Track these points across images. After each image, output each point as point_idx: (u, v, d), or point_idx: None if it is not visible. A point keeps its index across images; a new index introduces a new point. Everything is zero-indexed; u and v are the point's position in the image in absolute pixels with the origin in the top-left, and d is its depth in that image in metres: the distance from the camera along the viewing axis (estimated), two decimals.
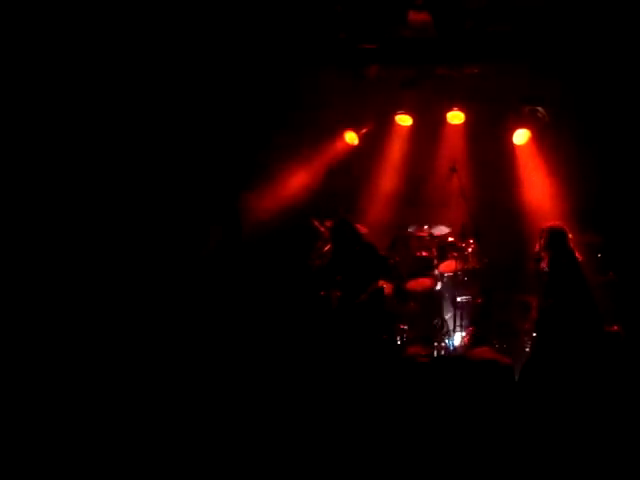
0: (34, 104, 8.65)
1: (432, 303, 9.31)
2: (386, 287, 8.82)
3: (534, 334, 7.98)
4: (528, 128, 10.12)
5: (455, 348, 8.95)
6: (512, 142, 10.28)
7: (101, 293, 8.63)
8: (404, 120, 10.64)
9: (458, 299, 9.32)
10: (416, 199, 10.64)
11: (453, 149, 10.48)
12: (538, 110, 9.91)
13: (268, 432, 6.15)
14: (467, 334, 8.99)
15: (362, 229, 9.54)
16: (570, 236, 7.80)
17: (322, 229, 9.91)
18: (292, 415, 6.44)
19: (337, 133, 10.84)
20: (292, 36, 8.91)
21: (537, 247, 8.09)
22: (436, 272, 9.50)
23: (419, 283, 9.36)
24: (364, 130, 10.85)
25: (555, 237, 7.74)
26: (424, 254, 9.65)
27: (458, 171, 9.56)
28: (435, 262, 9.55)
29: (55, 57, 8.58)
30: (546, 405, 6.56)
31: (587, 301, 7.43)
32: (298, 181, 10.74)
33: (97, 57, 8.72)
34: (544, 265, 7.78)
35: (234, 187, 10.35)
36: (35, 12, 8.18)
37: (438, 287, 9.46)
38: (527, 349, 8.54)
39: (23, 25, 8.24)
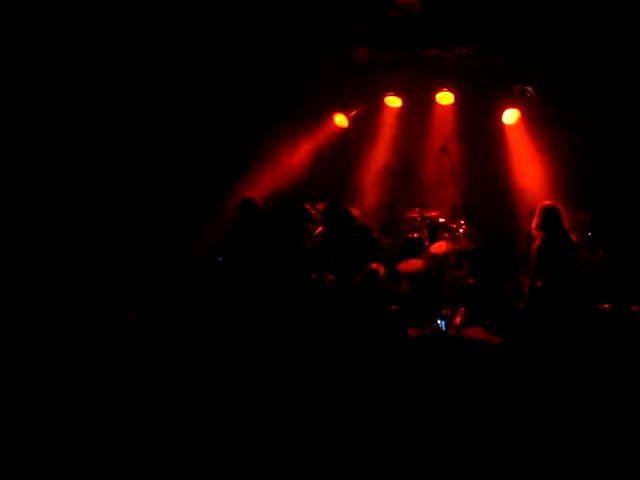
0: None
1: (424, 284, 9.31)
2: (379, 269, 8.85)
3: (526, 313, 7.99)
4: (517, 108, 10.10)
5: (447, 328, 8.97)
6: (502, 122, 10.26)
7: (93, 288, 8.69)
8: (394, 101, 10.62)
9: (449, 280, 9.32)
10: (407, 180, 10.63)
11: (443, 130, 10.47)
12: (527, 90, 9.90)
13: (264, 412, 6.17)
14: (459, 314, 9.01)
15: (354, 212, 9.56)
16: (565, 215, 7.83)
17: (313, 212, 9.93)
18: (289, 396, 6.46)
19: (326, 116, 10.81)
20: (280, 20, 8.87)
21: (530, 226, 8.11)
22: (427, 253, 9.49)
23: (410, 264, 9.36)
24: (353, 112, 10.83)
25: (549, 216, 7.76)
26: (415, 235, 9.66)
27: (449, 151, 9.55)
28: (426, 243, 9.56)
29: (52, 55, 8.60)
30: (538, 384, 6.59)
31: (580, 280, 7.46)
32: (289, 165, 10.72)
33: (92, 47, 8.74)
34: (536, 244, 7.80)
35: (224, 176, 10.37)
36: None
37: (429, 268, 9.44)
38: (519, 328, 8.55)
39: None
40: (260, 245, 9.32)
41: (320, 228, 9.71)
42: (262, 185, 10.47)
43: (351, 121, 10.82)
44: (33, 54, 8.56)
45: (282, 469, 5.34)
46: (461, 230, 9.48)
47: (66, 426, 5.87)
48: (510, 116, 10.19)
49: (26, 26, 8.27)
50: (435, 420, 6.07)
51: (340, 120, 10.79)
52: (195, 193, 10.28)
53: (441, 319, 9.06)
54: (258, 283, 9.05)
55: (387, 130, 10.85)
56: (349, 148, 11.01)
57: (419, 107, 10.66)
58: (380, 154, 10.84)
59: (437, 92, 10.31)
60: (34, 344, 7.35)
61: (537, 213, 7.92)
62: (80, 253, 9.11)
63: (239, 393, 6.54)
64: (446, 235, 9.48)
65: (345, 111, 10.77)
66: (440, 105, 10.48)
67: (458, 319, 8.96)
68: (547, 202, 8.01)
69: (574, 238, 7.77)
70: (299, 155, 10.75)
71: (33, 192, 8.90)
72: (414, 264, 9.38)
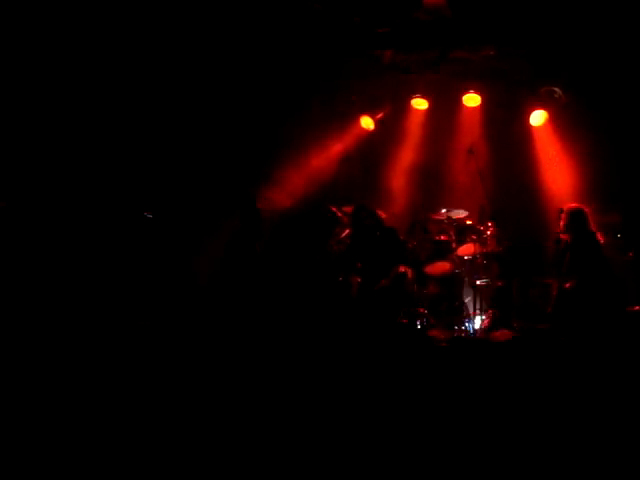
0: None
1: (451, 287, 9.27)
2: (407, 271, 8.82)
3: (555, 316, 7.94)
4: (545, 109, 10.05)
5: (475, 331, 8.93)
6: (529, 123, 10.21)
7: (117, 289, 8.73)
8: (420, 104, 10.61)
9: (477, 282, 9.28)
10: (434, 183, 10.60)
11: (470, 132, 10.44)
12: (555, 91, 9.83)
13: (287, 414, 6.18)
14: (487, 317, 8.97)
15: (382, 214, 9.54)
16: (591, 217, 7.77)
17: (340, 215, 9.92)
18: (313, 399, 6.46)
19: (353, 118, 10.80)
20: (307, 22, 8.89)
21: (557, 229, 8.06)
22: (455, 256, 9.45)
23: (438, 267, 9.31)
24: (380, 115, 10.82)
25: (576, 218, 7.71)
26: (442, 238, 9.60)
27: (476, 153, 9.52)
28: (454, 246, 9.50)
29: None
30: (568, 387, 6.54)
31: (608, 281, 7.40)
32: (315, 168, 10.73)
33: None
34: (563, 246, 7.76)
35: (251, 177, 10.38)
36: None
37: (457, 271, 9.40)
38: (548, 331, 8.49)
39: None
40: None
41: (347, 231, 9.70)
42: (289, 188, 10.49)
43: (377, 124, 10.81)
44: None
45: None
46: (489, 232, 9.41)
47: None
48: (537, 117, 10.14)
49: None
50: (461, 422, 6.05)
51: (367, 123, 10.79)
52: (221, 196, 10.30)
53: (469, 322, 9.03)
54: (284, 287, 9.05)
55: (414, 132, 10.84)
56: (376, 151, 11.00)
57: (446, 109, 10.65)
58: (407, 156, 10.83)
59: (464, 94, 10.30)
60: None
61: (563, 215, 7.88)
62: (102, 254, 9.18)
63: (265, 395, 6.55)
64: (473, 237, 9.41)
65: (372, 114, 10.77)
66: (467, 107, 10.46)
67: (486, 322, 8.92)
68: (573, 204, 7.97)
69: (601, 239, 7.70)
70: (326, 158, 10.76)
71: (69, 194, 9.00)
72: (441, 267, 9.33)
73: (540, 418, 6.04)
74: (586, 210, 7.84)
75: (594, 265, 7.51)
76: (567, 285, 7.67)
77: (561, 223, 7.87)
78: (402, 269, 8.74)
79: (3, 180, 8.67)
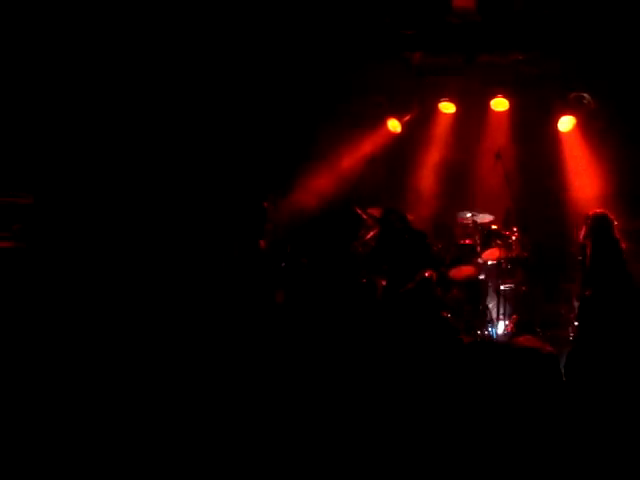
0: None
1: (475, 291, 9.25)
2: (432, 275, 8.81)
3: (576, 323, 7.90)
4: (574, 115, 10.00)
5: (498, 336, 8.91)
6: (557, 129, 10.17)
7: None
8: (448, 107, 10.60)
9: (502, 287, 9.25)
10: (460, 186, 10.59)
11: (498, 136, 10.41)
12: (584, 97, 9.79)
13: (319, 414, 6.20)
14: (510, 322, 8.95)
15: (409, 217, 9.53)
16: (616, 224, 7.72)
17: (365, 217, 9.94)
18: (336, 399, 6.49)
19: (381, 120, 10.82)
20: (337, 23, 8.91)
21: (581, 235, 8.02)
22: (479, 260, 9.43)
23: (462, 271, 9.29)
24: (407, 117, 10.83)
25: (598, 225, 7.66)
26: (467, 242, 9.60)
27: (503, 158, 9.50)
28: (478, 250, 9.48)
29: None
30: (590, 394, 6.51)
31: (628, 290, 7.35)
32: (341, 169, 10.76)
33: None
34: (586, 253, 7.72)
35: (277, 178, 10.42)
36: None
37: (481, 275, 9.38)
38: (571, 338, 8.46)
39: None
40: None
41: (371, 233, 9.72)
42: (315, 189, 10.53)
43: (405, 126, 10.81)
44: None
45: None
46: (514, 237, 9.39)
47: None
48: (566, 123, 10.09)
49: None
50: (482, 426, 6.05)
51: (394, 125, 10.80)
52: (245, 197, 10.33)
53: (492, 326, 9.01)
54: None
55: (441, 135, 10.84)
56: (402, 153, 11.00)
57: (473, 113, 10.64)
58: (433, 159, 10.83)
59: (492, 98, 10.28)
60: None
61: (587, 221, 7.84)
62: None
63: (279, 396, 6.58)
64: (499, 242, 9.38)
65: (399, 116, 10.77)
66: (495, 111, 10.43)
67: (509, 327, 8.90)
68: (597, 210, 7.91)
69: (624, 247, 7.65)
70: (353, 159, 10.79)
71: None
72: (466, 271, 9.31)
73: (560, 425, 6.04)
74: (610, 217, 7.79)
75: (613, 273, 7.46)
76: (587, 293, 7.62)
77: (584, 228, 7.82)
78: (428, 273, 8.72)
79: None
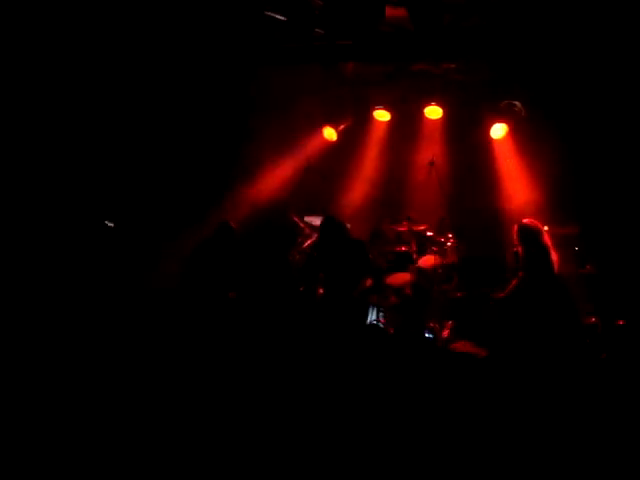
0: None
1: (412, 297, 9.30)
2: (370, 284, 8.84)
3: (509, 327, 8.01)
4: (505, 122, 10.16)
5: (435, 342, 8.96)
6: (490, 136, 10.31)
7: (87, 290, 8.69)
8: (382, 115, 10.68)
9: (437, 293, 9.33)
10: (395, 194, 10.67)
11: (431, 144, 10.52)
12: (515, 104, 9.96)
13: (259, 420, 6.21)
14: (447, 328, 9.02)
15: (347, 225, 9.54)
16: (546, 229, 7.86)
17: (302, 225, 9.93)
18: (283, 405, 6.49)
19: (315, 129, 10.83)
20: (269, 32, 8.89)
21: (514, 242, 8.15)
22: (415, 267, 9.49)
23: (399, 278, 9.35)
24: (342, 126, 10.87)
25: (526, 234, 7.82)
26: (403, 249, 9.66)
27: (437, 165, 9.60)
28: (414, 257, 9.56)
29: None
30: (525, 397, 6.62)
31: (559, 295, 7.50)
32: (277, 177, 10.75)
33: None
34: (519, 260, 7.86)
35: (216, 187, 10.38)
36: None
37: (417, 282, 9.44)
38: (506, 342, 8.55)
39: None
40: (234, 269, 9.23)
41: (309, 241, 9.71)
42: (251, 198, 10.50)
43: (340, 134, 10.85)
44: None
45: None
46: (449, 244, 9.49)
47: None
48: (498, 130, 10.24)
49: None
50: (420, 432, 6.09)
51: (329, 134, 10.84)
52: (181, 209, 10.26)
53: (429, 332, 9.06)
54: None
55: (376, 143, 10.91)
56: (338, 161, 11.03)
57: (408, 121, 10.73)
58: (368, 167, 10.89)
59: (426, 106, 10.37)
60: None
61: (515, 230, 7.99)
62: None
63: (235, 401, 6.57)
64: (434, 249, 9.46)
65: (334, 124, 10.81)
66: (429, 119, 10.53)
67: (446, 332, 8.97)
68: (526, 219, 8.05)
69: (554, 255, 7.78)
70: (288, 168, 10.79)
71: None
72: (402, 277, 9.37)
73: (495, 427, 6.12)
74: (538, 225, 7.92)
75: (543, 280, 7.62)
76: (518, 298, 7.79)
77: (515, 238, 7.97)
78: (369, 282, 8.75)
79: None
